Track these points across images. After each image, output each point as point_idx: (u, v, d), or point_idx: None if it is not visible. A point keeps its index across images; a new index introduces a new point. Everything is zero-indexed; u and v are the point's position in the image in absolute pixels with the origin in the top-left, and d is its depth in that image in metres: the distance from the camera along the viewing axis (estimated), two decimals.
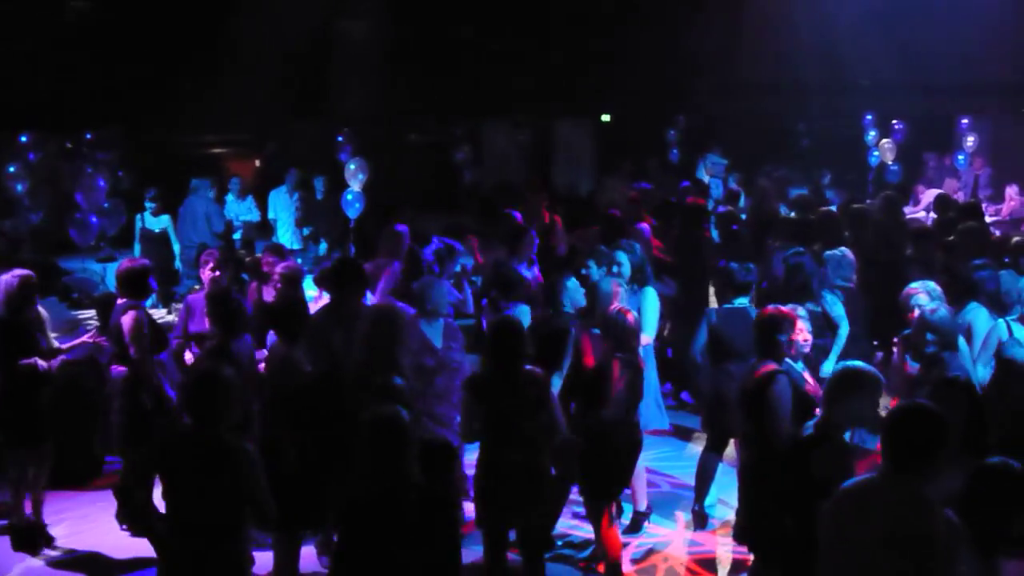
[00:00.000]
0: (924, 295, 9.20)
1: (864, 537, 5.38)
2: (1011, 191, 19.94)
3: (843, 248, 11.50)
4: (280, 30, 21.54)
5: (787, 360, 8.12)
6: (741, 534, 8.17)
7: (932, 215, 16.12)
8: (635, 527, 9.76)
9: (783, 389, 7.62)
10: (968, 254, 11.60)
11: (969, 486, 5.34)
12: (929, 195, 18.43)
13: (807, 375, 8.39)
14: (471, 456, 8.34)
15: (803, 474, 6.49)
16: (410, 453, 6.19)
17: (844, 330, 10.44)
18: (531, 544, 8.05)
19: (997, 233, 15.38)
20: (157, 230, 16.29)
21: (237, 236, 18.26)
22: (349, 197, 16.43)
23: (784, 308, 8.37)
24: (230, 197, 18.55)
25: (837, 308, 10.57)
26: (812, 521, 5.83)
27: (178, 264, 16.37)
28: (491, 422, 7.82)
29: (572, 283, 9.99)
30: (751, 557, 7.99)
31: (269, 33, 21.21)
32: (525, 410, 7.77)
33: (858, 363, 7.00)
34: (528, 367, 7.89)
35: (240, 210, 18.58)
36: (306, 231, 18.16)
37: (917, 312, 8.88)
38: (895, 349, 9.52)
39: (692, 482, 10.14)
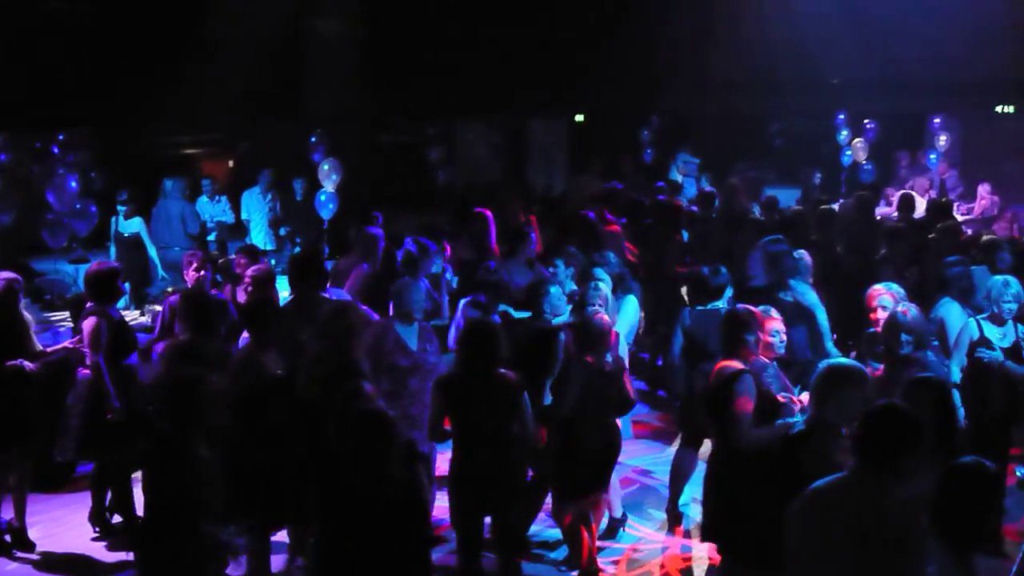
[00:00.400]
0: (889, 296, 9.25)
1: (832, 536, 5.39)
2: (983, 190, 20.04)
3: (801, 251, 11.54)
4: (253, 30, 21.47)
5: (761, 360, 8.14)
6: (707, 533, 8.21)
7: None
8: (611, 533, 9.74)
9: (747, 389, 7.63)
10: (944, 252, 11.73)
11: (942, 486, 5.34)
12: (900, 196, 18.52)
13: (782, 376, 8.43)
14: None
15: (792, 470, 6.51)
16: (394, 449, 6.24)
17: (822, 315, 10.45)
18: (506, 545, 8.06)
19: (969, 232, 15.49)
20: (128, 234, 16.20)
21: (211, 238, 18.20)
22: (323, 198, 16.44)
23: (755, 308, 8.39)
24: (203, 198, 18.47)
25: (810, 296, 10.61)
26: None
27: (155, 265, 16.29)
28: (464, 424, 7.83)
29: (555, 290, 10.03)
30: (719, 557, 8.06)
31: (242, 33, 21.13)
32: (498, 412, 7.80)
33: (843, 359, 7.06)
34: (503, 370, 7.91)
35: (214, 211, 18.51)
36: (283, 231, 18.10)
37: (881, 313, 8.96)
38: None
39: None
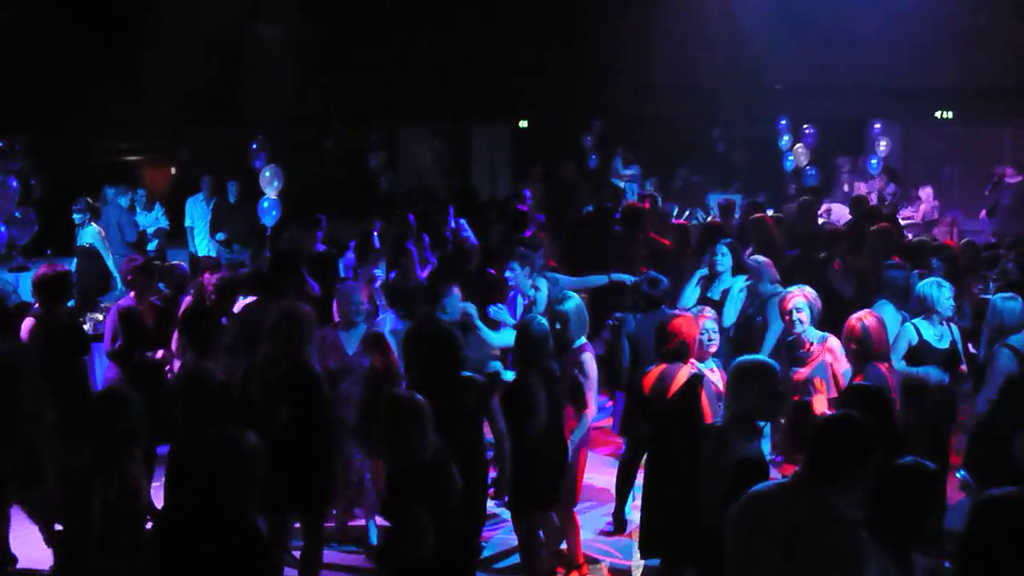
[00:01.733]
0: (802, 297, 9.33)
1: (770, 542, 5.37)
2: (924, 194, 20.22)
3: (759, 257, 11.63)
4: (193, 36, 21.32)
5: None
6: (648, 537, 8.24)
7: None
8: None
9: (710, 391, 7.73)
10: (879, 255, 11.89)
11: (883, 486, 5.35)
12: (835, 210, 18.69)
13: (719, 372, 8.50)
14: None
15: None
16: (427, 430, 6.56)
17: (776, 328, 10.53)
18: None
19: (910, 236, 15.65)
20: (82, 243, 16.00)
21: (152, 246, 18.02)
22: (266, 204, 16.35)
23: (687, 313, 8.48)
24: (137, 209, 18.28)
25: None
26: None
27: (113, 276, 16.04)
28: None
29: (493, 309, 10.05)
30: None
31: (182, 39, 20.99)
32: (460, 416, 7.78)
33: (753, 356, 7.13)
34: (467, 373, 7.93)
35: (147, 221, 18.34)
36: (219, 236, 17.93)
37: (796, 315, 9.05)
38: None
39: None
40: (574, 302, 9.26)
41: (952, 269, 11.81)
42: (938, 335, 9.51)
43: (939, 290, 9.59)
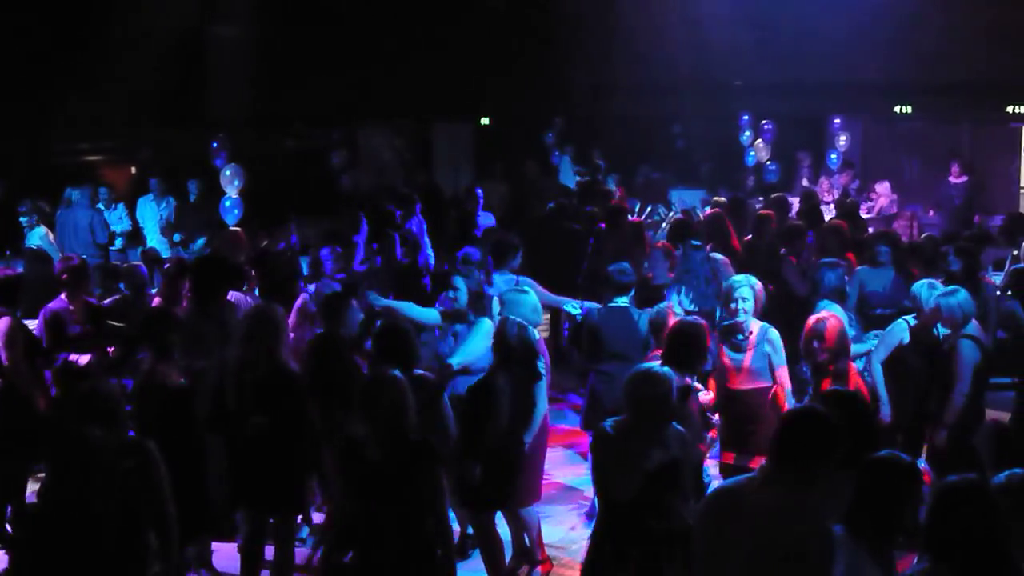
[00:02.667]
0: (748, 288, 9.36)
1: (739, 538, 5.35)
2: (881, 188, 20.32)
3: (716, 255, 11.71)
4: (152, 36, 21.23)
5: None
6: None
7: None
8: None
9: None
10: (830, 251, 11.97)
11: (859, 480, 5.36)
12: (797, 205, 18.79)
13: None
14: None
15: None
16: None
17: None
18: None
19: (871, 230, 15.75)
20: (30, 245, 15.87)
21: (117, 246, 17.91)
22: (227, 204, 16.31)
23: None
24: (99, 207, 18.15)
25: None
26: None
27: None
28: None
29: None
30: None
31: (141, 39, 20.89)
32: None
33: (651, 364, 7.22)
34: (419, 371, 7.93)
35: (110, 219, 18.23)
36: (176, 237, 17.80)
37: (741, 304, 9.10)
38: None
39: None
40: (530, 295, 9.27)
41: (898, 256, 11.97)
42: None
43: (930, 291, 9.66)
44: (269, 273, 11.92)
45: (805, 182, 21.75)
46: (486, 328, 9.49)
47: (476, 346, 9.46)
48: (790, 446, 5.38)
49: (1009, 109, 24.25)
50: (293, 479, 8.28)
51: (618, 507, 6.79)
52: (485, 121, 27.23)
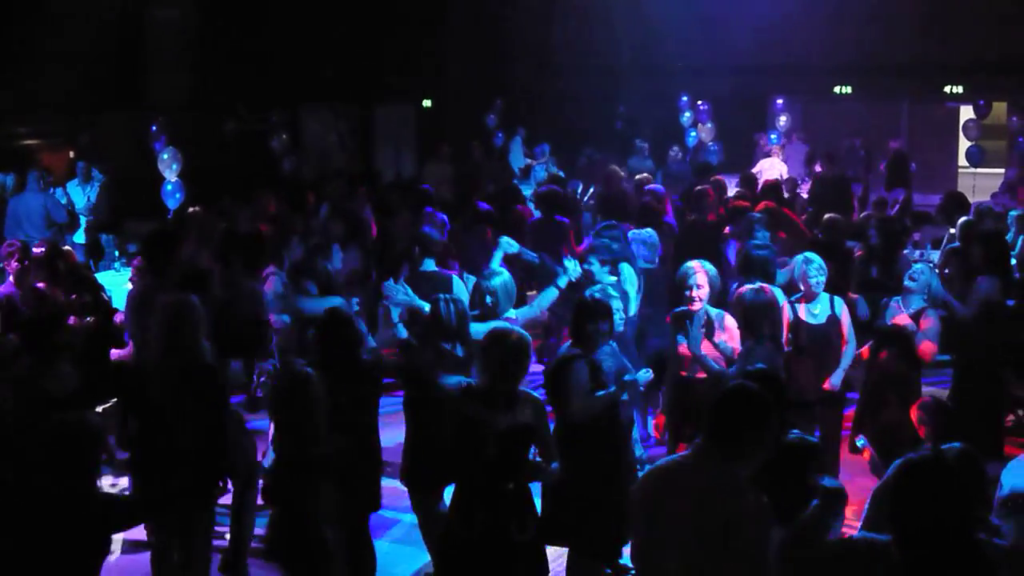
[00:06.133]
0: (702, 274, 9.40)
1: (675, 514, 5.38)
2: (818, 168, 20.43)
3: (650, 230, 11.71)
4: (90, 18, 21.03)
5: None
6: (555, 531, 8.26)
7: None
8: None
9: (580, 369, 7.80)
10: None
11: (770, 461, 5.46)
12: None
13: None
14: None
15: None
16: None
17: (632, 310, 10.58)
18: (357, 530, 8.01)
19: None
20: None
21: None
22: (169, 187, 16.23)
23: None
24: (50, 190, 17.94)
25: (631, 288, 10.75)
26: None
27: None
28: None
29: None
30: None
31: (78, 21, 20.69)
32: (360, 403, 7.80)
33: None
34: (366, 358, 7.92)
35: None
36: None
37: (696, 291, 9.15)
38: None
39: None
40: (501, 278, 9.23)
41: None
42: (815, 309, 9.61)
43: (807, 265, 9.65)
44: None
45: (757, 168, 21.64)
46: None
47: None
48: (721, 422, 5.43)
49: (947, 89, 24.51)
50: (205, 473, 8.09)
51: (471, 470, 6.89)
52: (427, 103, 27.16)
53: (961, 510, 4.85)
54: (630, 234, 11.63)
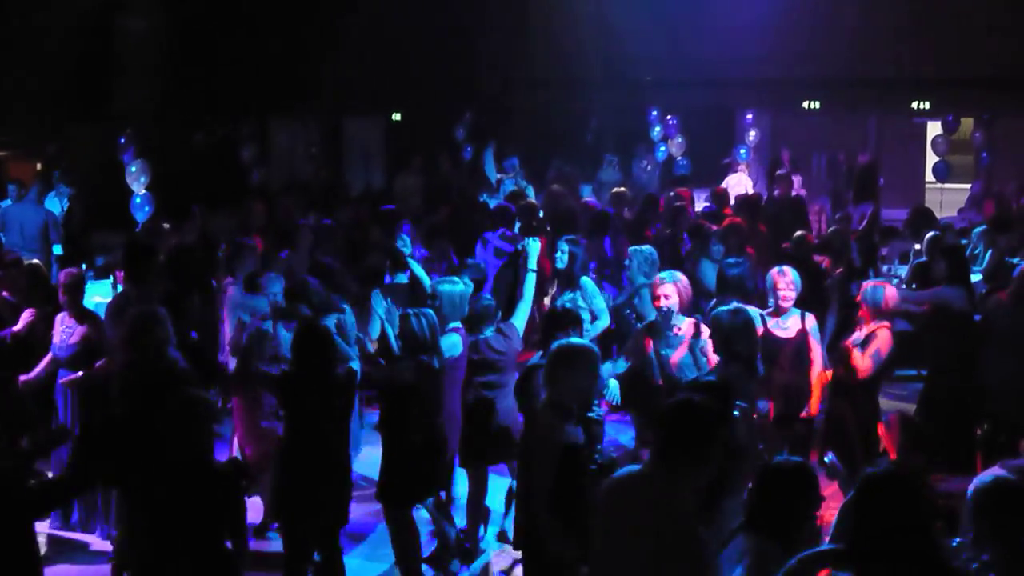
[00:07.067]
0: (672, 286, 9.43)
1: (626, 524, 5.44)
2: (734, 179, 20.53)
3: (650, 247, 11.74)
4: (58, 28, 20.94)
5: None
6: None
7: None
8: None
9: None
10: (731, 250, 12.11)
11: (755, 483, 5.55)
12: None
13: None
14: None
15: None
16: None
17: (602, 323, 10.62)
18: (327, 543, 8.02)
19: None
20: None
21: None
22: (138, 200, 16.14)
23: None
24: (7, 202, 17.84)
25: (597, 300, 10.78)
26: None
27: None
28: (297, 422, 7.78)
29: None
30: None
31: (46, 31, 20.61)
32: (332, 413, 7.81)
33: (575, 340, 7.20)
34: (341, 371, 7.92)
35: None
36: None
37: (664, 301, 9.19)
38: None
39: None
40: (454, 287, 9.21)
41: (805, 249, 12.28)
42: (784, 322, 9.67)
43: (780, 277, 9.71)
44: (184, 268, 11.68)
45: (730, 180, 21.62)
46: None
47: None
48: (668, 437, 5.45)
49: (914, 105, 24.64)
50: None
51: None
52: (396, 116, 27.12)
53: (920, 523, 4.88)
54: (630, 250, 11.66)
